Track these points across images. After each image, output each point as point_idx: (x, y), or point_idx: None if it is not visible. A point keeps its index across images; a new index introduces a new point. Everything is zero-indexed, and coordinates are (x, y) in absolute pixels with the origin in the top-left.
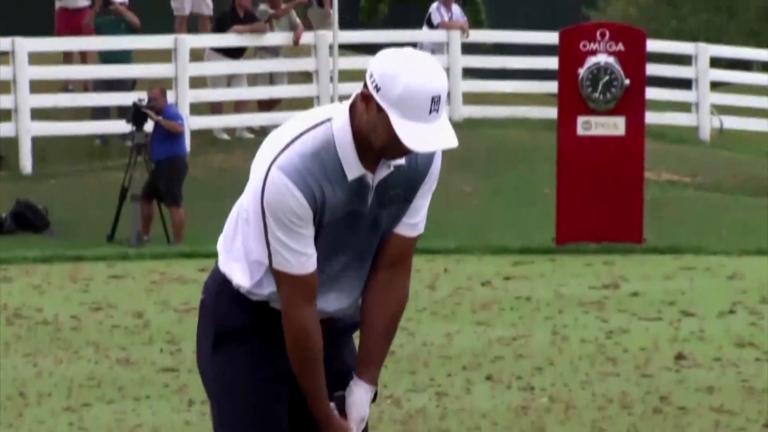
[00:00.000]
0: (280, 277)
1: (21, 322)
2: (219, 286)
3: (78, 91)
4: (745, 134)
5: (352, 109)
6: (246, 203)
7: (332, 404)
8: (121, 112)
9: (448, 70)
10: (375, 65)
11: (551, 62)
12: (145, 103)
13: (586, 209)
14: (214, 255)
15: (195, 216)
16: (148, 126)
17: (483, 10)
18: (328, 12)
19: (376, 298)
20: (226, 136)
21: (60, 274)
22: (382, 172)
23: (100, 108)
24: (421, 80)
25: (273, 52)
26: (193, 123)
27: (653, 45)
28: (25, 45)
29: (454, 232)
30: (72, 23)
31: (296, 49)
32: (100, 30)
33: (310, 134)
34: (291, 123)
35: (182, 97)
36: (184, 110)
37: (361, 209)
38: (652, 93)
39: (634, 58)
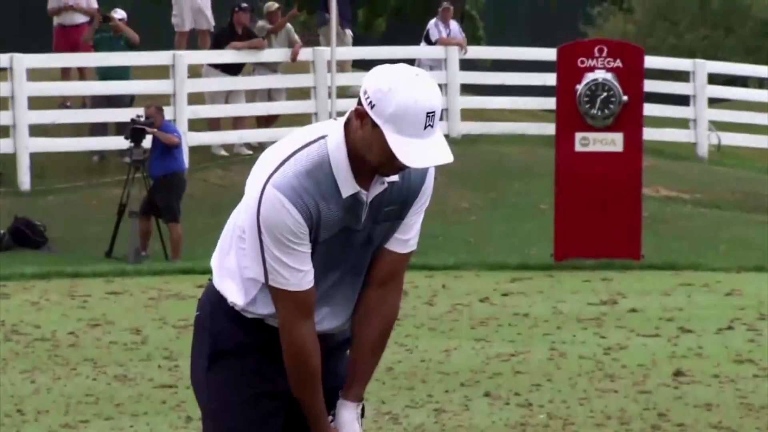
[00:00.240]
0: (277, 294)
1: (19, 338)
2: (214, 303)
3: (76, 107)
4: (743, 150)
5: (347, 125)
6: (240, 220)
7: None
8: (119, 128)
9: (446, 87)
10: (369, 82)
11: (549, 78)
12: (142, 119)
13: (584, 225)
14: (211, 271)
15: (193, 232)
16: (147, 142)
17: (481, 26)
18: (348, 28)
19: (367, 315)
20: (224, 153)
21: (58, 291)
22: (376, 189)
23: (98, 124)
24: (415, 96)
25: (271, 68)
26: (191, 139)
27: (651, 61)
28: (24, 61)
29: (452, 248)
30: (70, 40)
31: (294, 66)
32: (98, 46)
33: (305, 151)
34: (286, 140)
35: (180, 114)
36: (182, 126)
37: (355, 226)
38: (649, 109)
39: (632, 75)
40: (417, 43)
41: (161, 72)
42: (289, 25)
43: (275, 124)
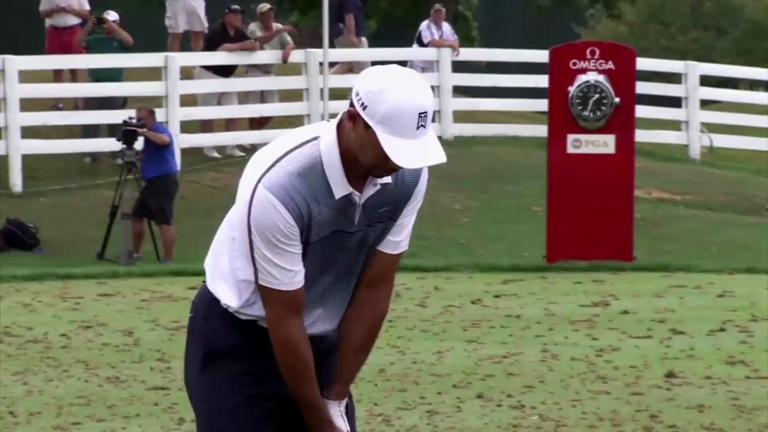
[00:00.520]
0: (266, 293)
1: (11, 340)
2: (207, 305)
3: (68, 109)
4: (735, 152)
5: (340, 127)
6: (233, 222)
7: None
8: (111, 130)
9: (438, 89)
10: (360, 83)
11: (541, 80)
12: (134, 121)
13: (577, 227)
14: (204, 273)
15: (185, 234)
16: (139, 144)
17: (475, 27)
18: (353, 40)
19: (356, 314)
20: (216, 154)
21: (50, 293)
22: (369, 191)
23: (90, 126)
24: (407, 97)
25: (264, 70)
26: (183, 141)
27: (643, 63)
28: (16, 63)
29: (444, 250)
30: (62, 41)
31: (287, 67)
32: (91, 48)
33: (297, 152)
34: (278, 141)
35: (173, 115)
36: (174, 128)
37: (348, 227)
38: (641, 111)
39: (624, 77)
40: (407, 45)
41: (154, 74)
42: (281, 26)
43: (268, 126)
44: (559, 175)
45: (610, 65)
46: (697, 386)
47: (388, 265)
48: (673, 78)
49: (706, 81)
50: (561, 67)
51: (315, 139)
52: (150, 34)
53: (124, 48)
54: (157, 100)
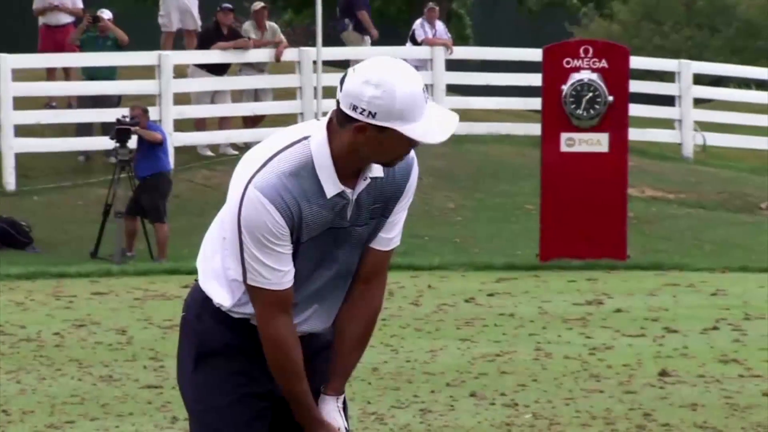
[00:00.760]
0: (255, 293)
1: (4, 338)
2: (200, 303)
3: (61, 107)
4: (728, 151)
5: (330, 126)
6: (225, 221)
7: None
8: (104, 128)
9: (431, 87)
10: (355, 95)
11: (535, 79)
12: (128, 119)
13: (570, 226)
14: (197, 272)
15: (179, 232)
16: (132, 142)
17: (468, 25)
18: (367, 34)
19: (351, 311)
20: (210, 153)
21: (43, 291)
22: (360, 186)
23: (83, 124)
24: (408, 83)
25: (257, 68)
26: (176, 140)
27: (636, 62)
28: (9, 61)
29: (438, 248)
30: (55, 40)
31: (280, 66)
32: (84, 46)
33: (287, 152)
34: (268, 141)
35: (166, 114)
36: (167, 127)
37: (341, 225)
38: (635, 110)
39: (618, 75)
40: (401, 43)
41: (147, 72)
42: (275, 25)
43: (261, 125)
44: (552, 174)
45: (604, 64)
46: (691, 385)
47: (381, 262)
48: (667, 76)
49: (700, 79)
50: (554, 66)
51: (305, 138)
52: (143, 32)
53: (117, 46)
54: (151, 99)
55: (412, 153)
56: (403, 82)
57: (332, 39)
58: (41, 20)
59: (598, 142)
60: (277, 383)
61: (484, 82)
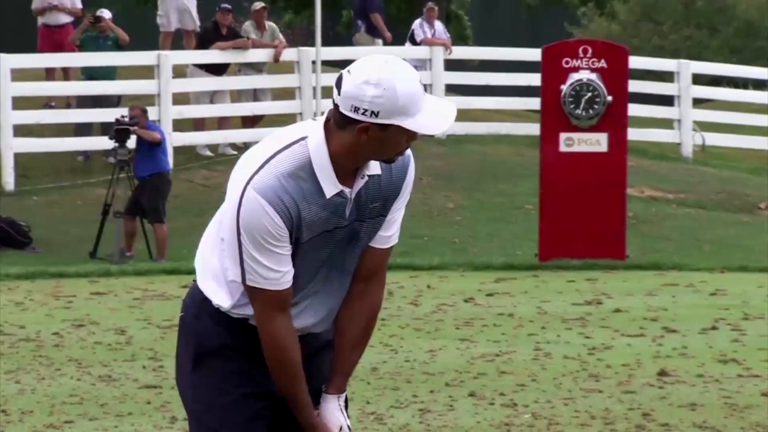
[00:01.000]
0: (254, 293)
1: (3, 338)
2: (198, 304)
3: (60, 107)
4: (728, 151)
5: (327, 125)
6: (223, 222)
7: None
8: (104, 128)
9: (430, 87)
10: (357, 97)
11: (534, 79)
12: (127, 119)
13: (569, 226)
14: (196, 272)
15: (178, 232)
16: (131, 142)
17: (468, 25)
18: (380, 37)
19: (351, 310)
20: (209, 153)
21: (42, 291)
22: (359, 184)
23: (83, 124)
24: (406, 78)
25: (256, 68)
26: (176, 139)
27: (635, 62)
28: (8, 61)
29: (437, 248)
30: (54, 40)
31: (279, 66)
32: (84, 46)
33: (285, 153)
34: (266, 142)
35: (165, 114)
36: (167, 127)
37: (340, 224)
38: (634, 109)
39: (617, 75)
40: (400, 43)
41: (146, 72)
42: (274, 25)
43: (260, 125)
44: (551, 174)
45: (603, 64)
46: (690, 384)
47: (379, 260)
48: (666, 76)
49: (699, 79)
50: (554, 66)
51: (303, 139)
52: (142, 32)
53: (117, 46)
54: (150, 99)
55: (409, 151)
56: (402, 78)
57: (331, 39)
58: (40, 20)
59: (597, 142)
60: (276, 383)
61: (483, 82)
